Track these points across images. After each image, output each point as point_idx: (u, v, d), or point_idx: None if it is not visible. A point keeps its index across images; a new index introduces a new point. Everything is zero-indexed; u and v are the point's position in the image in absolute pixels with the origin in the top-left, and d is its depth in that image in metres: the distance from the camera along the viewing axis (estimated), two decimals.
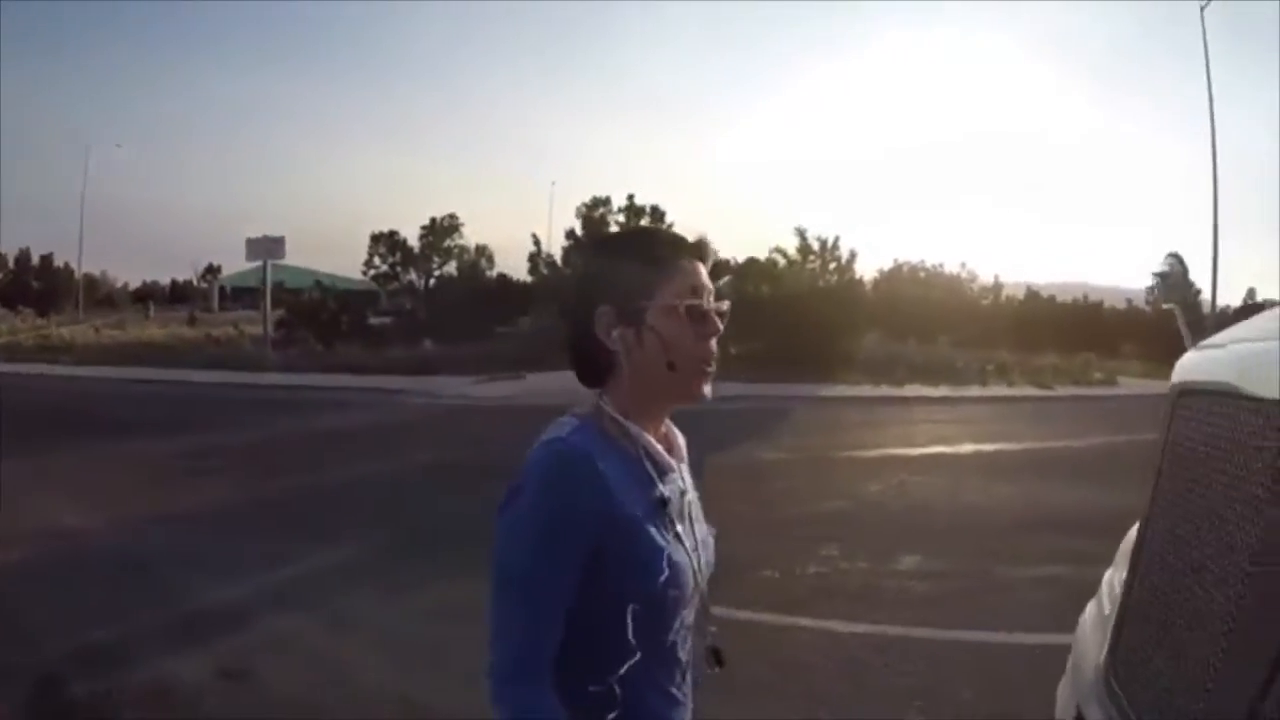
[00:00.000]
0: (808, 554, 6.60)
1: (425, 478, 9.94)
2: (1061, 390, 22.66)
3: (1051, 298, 42.09)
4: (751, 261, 31.24)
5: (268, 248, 29.30)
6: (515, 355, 24.83)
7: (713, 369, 1.47)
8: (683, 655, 1.52)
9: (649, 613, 1.40)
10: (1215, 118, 26.30)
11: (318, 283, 36.57)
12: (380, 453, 11.91)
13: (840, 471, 10.05)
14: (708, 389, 1.48)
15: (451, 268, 45.62)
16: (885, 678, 4.46)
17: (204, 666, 4.73)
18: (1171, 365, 2.22)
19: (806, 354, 22.00)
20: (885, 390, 20.36)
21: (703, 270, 1.48)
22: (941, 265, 40.90)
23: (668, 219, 34.50)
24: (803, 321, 22.86)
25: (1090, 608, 2.81)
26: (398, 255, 45.94)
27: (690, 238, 1.52)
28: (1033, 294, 42.36)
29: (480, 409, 17.65)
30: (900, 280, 38.28)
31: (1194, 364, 2.15)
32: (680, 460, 1.58)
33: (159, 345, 32.73)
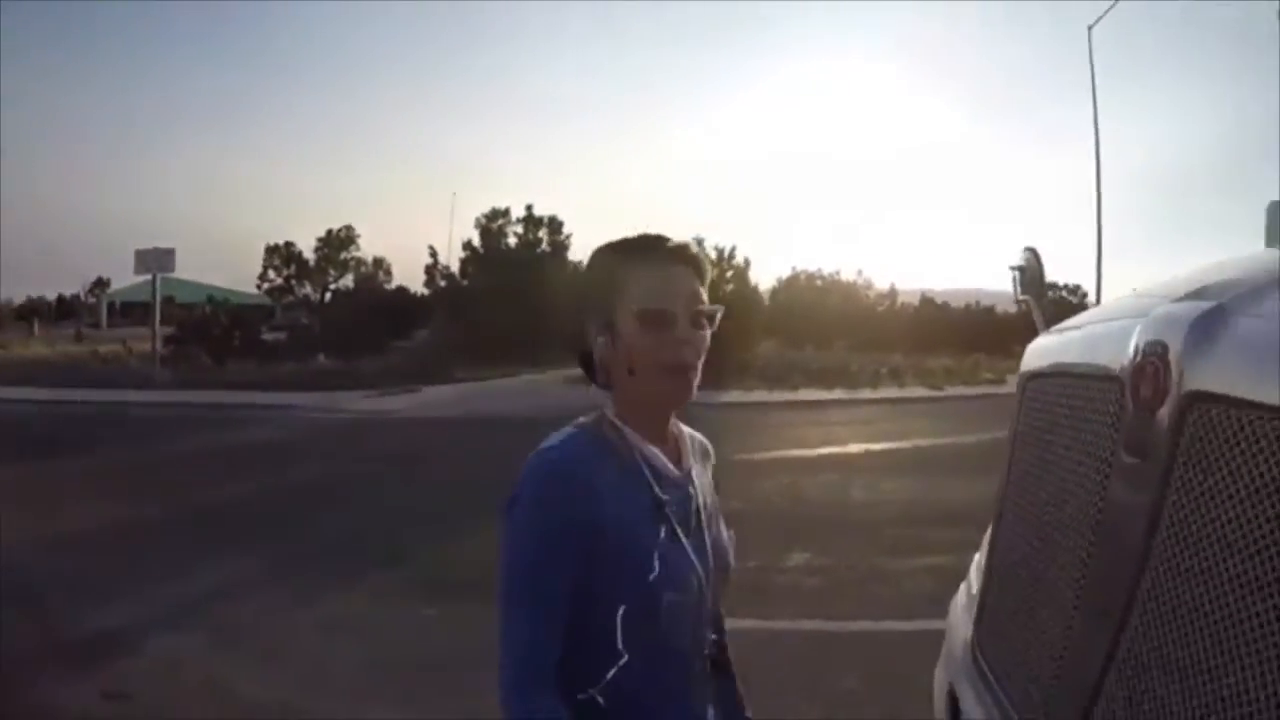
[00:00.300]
0: None
1: (312, 494, 9.76)
2: (952, 390, 23.32)
3: (945, 303, 43.37)
4: None
5: (158, 260, 27.97)
6: (411, 369, 24.61)
7: (681, 374, 1.46)
8: (694, 660, 1.53)
9: (642, 617, 1.41)
10: (1100, 131, 27.38)
11: (210, 297, 35.69)
12: (268, 470, 11.65)
13: (734, 474, 10.09)
14: (682, 393, 1.48)
15: (348, 280, 44.95)
16: (772, 670, 4.48)
17: (86, 690, 4.61)
18: None
19: (706, 362, 22.26)
20: (780, 395, 20.75)
21: (674, 275, 1.46)
22: (838, 273, 41.92)
23: (565, 230, 34.46)
24: None
25: (961, 590, 2.91)
26: (293, 268, 45.06)
27: (673, 240, 1.51)
28: (927, 300, 43.60)
29: (373, 424, 17.43)
30: (798, 288, 39.03)
31: (1040, 349, 2.26)
32: (691, 464, 1.59)
33: (44, 363, 31.53)
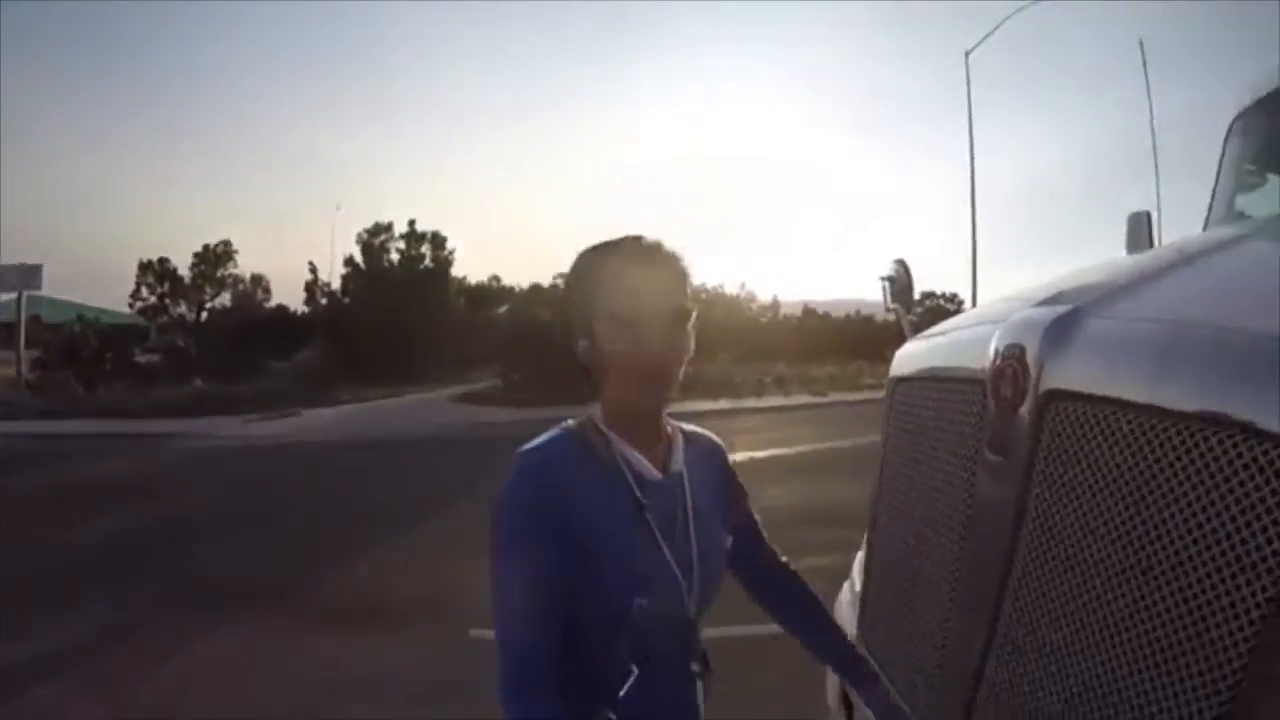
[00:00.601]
0: None
1: (190, 528, 9.33)
2: (835, 396, 23.97)
3: (827, 313, 44.56)
4: (536, 288, 31.30)
5: (23, 277, 26.42)
6: (292, 391, 23.90)
7: (655, 375, 1.45)
8: (681, 666, 1.53)
9: (616, 622, 1.40)
10: (975, 148, 28.53)
11: (79, 316, 33.69)
12: (142, 504, 11.03)
13: None
14: (658, 394, 1.47)
15: (225, 299, 43.42)
16: None
17: None
18: None
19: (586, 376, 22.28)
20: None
21: (648, 276, 1.44)
22: (722, 287, 42.58)
23: (449, 245, 34.06)
24: None
25: (844, 588, 3.00)
26: (167, 286, 43.28)
27: (651, 243, 1.50)
28: (809, 310, 44.71)
29: (253, 450, 16.76)
30: None
31: (908, 355, 2.36)
32: (680, 467, 1.57)
33: None
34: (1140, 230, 3.78)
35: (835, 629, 1.93)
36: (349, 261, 33.67)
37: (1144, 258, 2.38)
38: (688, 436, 1.64)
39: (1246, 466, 1.24)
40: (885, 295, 3.42)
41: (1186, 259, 2.02)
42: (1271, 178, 3.48)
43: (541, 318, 25.67)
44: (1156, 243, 3.73)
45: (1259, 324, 1.41)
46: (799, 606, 1.96)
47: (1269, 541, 1.20)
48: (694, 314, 1.49)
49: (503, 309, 31.59)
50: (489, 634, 4.49)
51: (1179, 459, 1.35)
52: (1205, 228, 3.63)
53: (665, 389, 1.47)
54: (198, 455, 15.98)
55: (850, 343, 36.00)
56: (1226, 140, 3.68)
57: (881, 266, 3.52)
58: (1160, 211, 3.95)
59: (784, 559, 1.99)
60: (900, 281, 3.37)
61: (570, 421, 1.53)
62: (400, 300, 29.48)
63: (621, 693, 1.39)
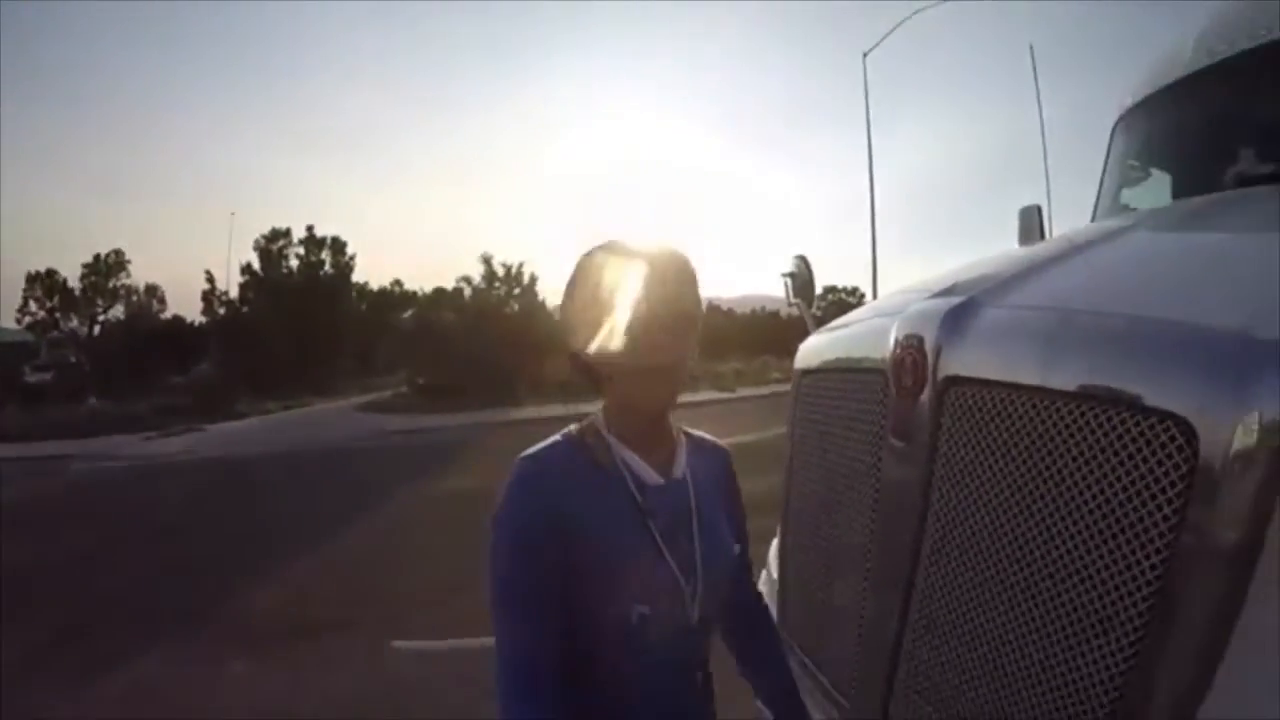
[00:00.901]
0: None
1: (94, 554, 8.87)
2: (743, 391, 24.23)
3: (732, 310, 45.12)
4: (439, 292, 30.92)
5: None
6: (193, 405, 22.96)
7: (658, 375, 1.43)
8: (685, 673, 1.50)
9: (616, 629, 1.39)
10: (874, 147, 29.10)
11: None
12: (40, 532, 10.47)
13: None
14: (662, 395, 1.45)
15: (119, 311, 41.77)
16: None
17: None
18: None
19: (496, 380, 22.03)
20: (574, 409, 20.68)
21: (654, 279, 1.42)
22: None
23: (349, 250, 33.41)
24: (491, 349, 22.88)
25: (761, 576, 3.06)
26: (57, 299, 41.51)
27: (656, 249, 1.47)
28: (714, 307, 45.15)
29: (155, 470, 15.92)
30: None
31: (812, 348, 2.43)
32: (684, 471, 1.54)
33: None
34: (1032, 223, 3.94)
35: (785, 670, 1.84)
36: (246, 269, 32.63)
37: (1033, 250, 2.50)
38: (693, 441, 1.63)
39: (1134, 440, 1.34)
40: (788, 291, 3.48)
41: (1072, 250, 2.13)
42: (1154, 172, 3.68)
43: (446, 321, 25.40)
44: (1047, 235, 3.89)
45: (1140, 308, 1.52)
46: (759, 639, 1.86)
47: (1158, 508, 1.30)
48: (701, 318, 1.48)
49: (406, 314, 31.02)
50: (411, 645, 4.42)
51: (1070, 436, 1.45)
52: (1093, 220, 3.81)
53: (671, 392, 1.46)
54: (96, 477, 15.07)
55: (756, 338, 36.61)
56: (1112, 138, 3.88)
57: (784, 263, 3.59)
58: (1051, 205, 4.12)
59: (758, 589, 1.91)
60: (802, 277, 3.44)
61: (572, 426, 1.51)
62: (301, 308, 28.80)
63: (596, 685, 1.40)
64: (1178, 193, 3.41)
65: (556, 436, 1.48)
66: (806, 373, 2.47)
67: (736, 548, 1.61)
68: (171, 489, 12.50)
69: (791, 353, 2.64)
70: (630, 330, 1.38)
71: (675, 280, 1.44)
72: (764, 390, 24.67)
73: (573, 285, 1.48)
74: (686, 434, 1.61)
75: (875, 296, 29.97)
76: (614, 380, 1.45)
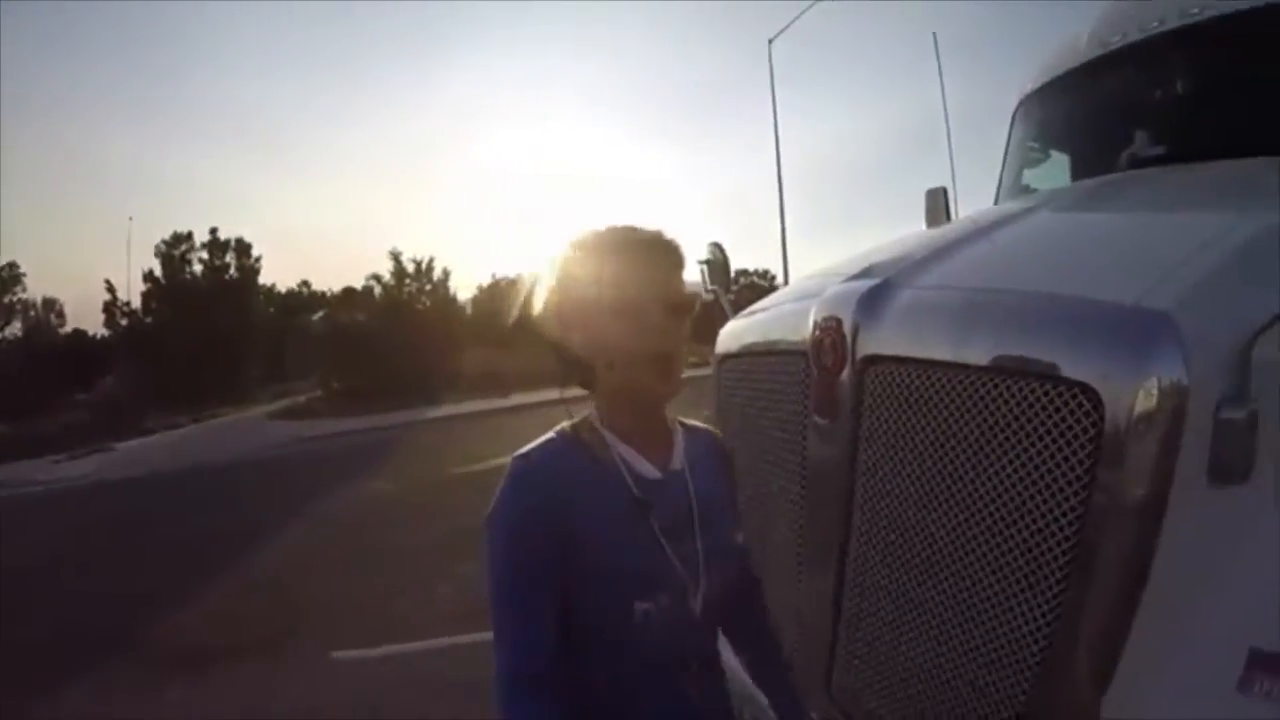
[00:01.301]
0: (441, 576, 6.46)
1: (5, 587, 8.30)
2: None
3: None
4: (349, 291, 30.37)
5: None
6: (99, 424, 21.81)
7: (659, 362, 1.39)
8: (687, 670, 1.44)
9: (616, 626, 1.36)
10: (781, 131, 29.38)
11: None
12: None
13: (458, 489, 9.83)
14: (662, 382, 1.41)
15: (15, 328, 39.88)
16: None
17: None
18: None
19: (412, 379, 21.71)
20: (493, 403, 20.57)
21: (649, 266, 1.39)
22: (537, 278, 42.42)
23: (254, 252, 32.54)
24: (405, 347, 22.50)
25: None
26: None
27: (648, 232, 1.43)
28: None
29: (63, 495, 14.85)
30: (499, 294, 39.12)
31: (731, 333, 2.48)
32: (682, 464, 1.49)
33: None
34: (938, 205, 4.07)
35: (782, 668, 1.77)
36: (148, 276, 31.23)
37: (941, 231, 2.59)
38: (689, 432, 1.57)
39: (1045, 408, 1.43)
40: (704, 278, 3.52)
41: (979, 231, 2.22)
42: (1053, 154, 3.87)
43: (358, 322, 24.94)
44: (953, 216, 4.02)
45: (1044, 285, 1.61)
46: (754, 635, 1.78)
47: (1070, 470, 1.40)
48: (698, 303, 1.44)
49: (316, 316, 30.30)
50: (351, 654, 4.33)
51: (985, 407, 1.53)
52: (996, 201, 3.98)
53: (672, 379, 1.42)
54: (4, 506, 14.30)
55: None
56: (1013, 122, 4.05)
57: (697, 250, 3.63)
58: (956, 187, 4.26)
59: (754, 571, 1.80)
60: (718, 263, 3.47)
61: (565, 423, 1.47)
62: (207, 314, 27.93)
63: (596, 683, 1.38)
64: (1076, 173, 3.58)
65: (550, 433, 1.45)
66: (727, 357, 2.50)
67: (740, 536, 1.56)
68: (86, 514, 11.82)
69: (706, 338, 2.68)
70: (634, 315, 1.36)
71: (670, 264, 1.42)
72: (684, 375, 24.81)
73: (562, 272, 1.44)
74: (681, 424, 1.57)
75: (787, 279, 30.43)
76: (614, 370, 1.41)
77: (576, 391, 1.50)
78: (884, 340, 1.78)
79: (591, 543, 1.34)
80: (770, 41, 24.82)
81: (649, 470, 1.43)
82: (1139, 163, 3.02)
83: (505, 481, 1.37)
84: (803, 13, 23.56)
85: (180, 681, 5.13)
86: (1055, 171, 3.79)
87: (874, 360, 1.80)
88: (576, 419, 1.47)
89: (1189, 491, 1.38)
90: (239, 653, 5.42)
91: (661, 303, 1.37)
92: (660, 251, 1.41)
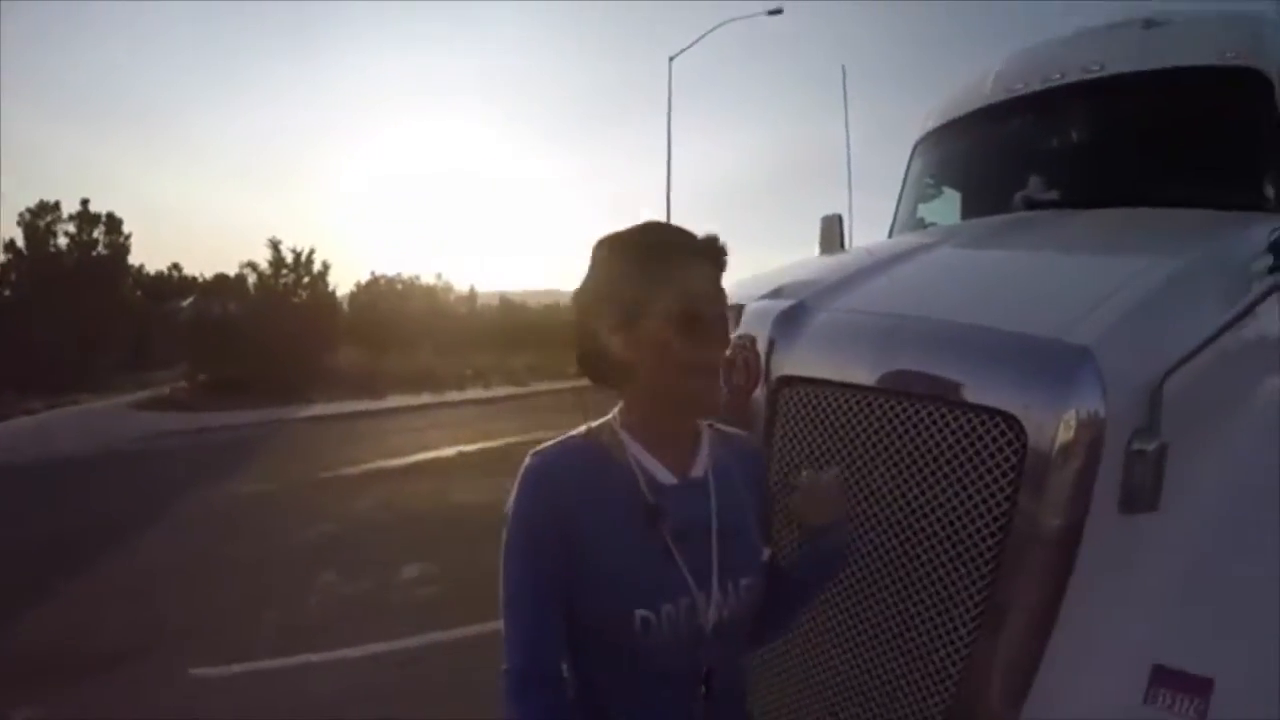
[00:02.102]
0: (307, 586, 6.16)
1: None
2: (538, 385, 24.15)
3: (524, 303, 45.02)
4: (221, 278, 29.26)
5: None
6: None
7: (714, 374, 1.36)
8: (692, 684, 1.38)
9: (618, 633, 1.32)
10: (674, 150, 29.72)
11: None
12: None
13: (328, 494, 9.49)
14: (713, 393, 1.37)
15: None
16: (408, 687, 4.41)
17: None
18: None
19: (284, 374, 20.90)
20: (367, 404, 19.99)
21: (707, 273, 1.35)
22: (418, 277, 41.77)
23: (125, 229, 30.90)
24: (279, 341, 21.61)
25: None
26: None
27: (698, 236, 1.38)
28: (506, 301, 44.95)
29: None
30: (377, 292, 38.41)
31: None
32: (705, 472, 1.43)
33: None
34: (832, 231, 4.19)
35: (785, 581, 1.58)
36: (9, 247, 28.99)
37: (850, 258, 2.67)
38: (721, 437, 1.51)
39: (966, 435, 1.48)
40: None
41: (891, 260, 2.30)
42: (946, 190, 4.05)
43: (229, 311, 23.99)
44: (847, 243, 4.14)
45: (965, 316, 1.67)
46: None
47: (992, 496, 1.45)
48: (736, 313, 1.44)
49: (186, 302, 28.97)
50: (213, 671, 4.08)
51: (905, 433, 1.57)
52: (892, 231, 4.13)
53: (719, 390, 1.39)
54: None
55: (549, 332, 36.62)
56: (912, 157, 4.23)
57: (578, 257, 3.61)
58: (851, 216, 4.38)
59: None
60: None
61: (589, 424, 1.44)
62: (71, 293, 26.31)
63: (599, 690, 1.36)
64: (966, 211, 3.74)
65: (572, 433, 1.43)
66: None
67: (766, 552, 1.49)
68: None
69: None
70: (696, 325, 1.32)
71: (718, 275, 1.38)
72: (559, 385, 24.69)
73: (611, 269, 1.39)
74: (714, 430, 1.51)
75: None
76: (657, 375, 1.36)
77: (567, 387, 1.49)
78: (799, 361, 1.80)
79: (598, 545, 1.32)
80: (671, 59, 25.10)
81: (665, 476, 1.39)
82: (1033, 205, 3.17)
83: (519, 479, 1.36)
84: (705, 35, 23.93)
85: (20, 702, 4.75)
86: (947, 207, 3.96)
87: (788, 380, 1.82)
88: (599, 421, 1.44)
89: (1102, 518, 1.46)
90: (87, 669, 4.97)
91: (715, 315, 1.35)
92: (715, 259, 1.38)
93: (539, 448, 1.38)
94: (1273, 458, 1.78)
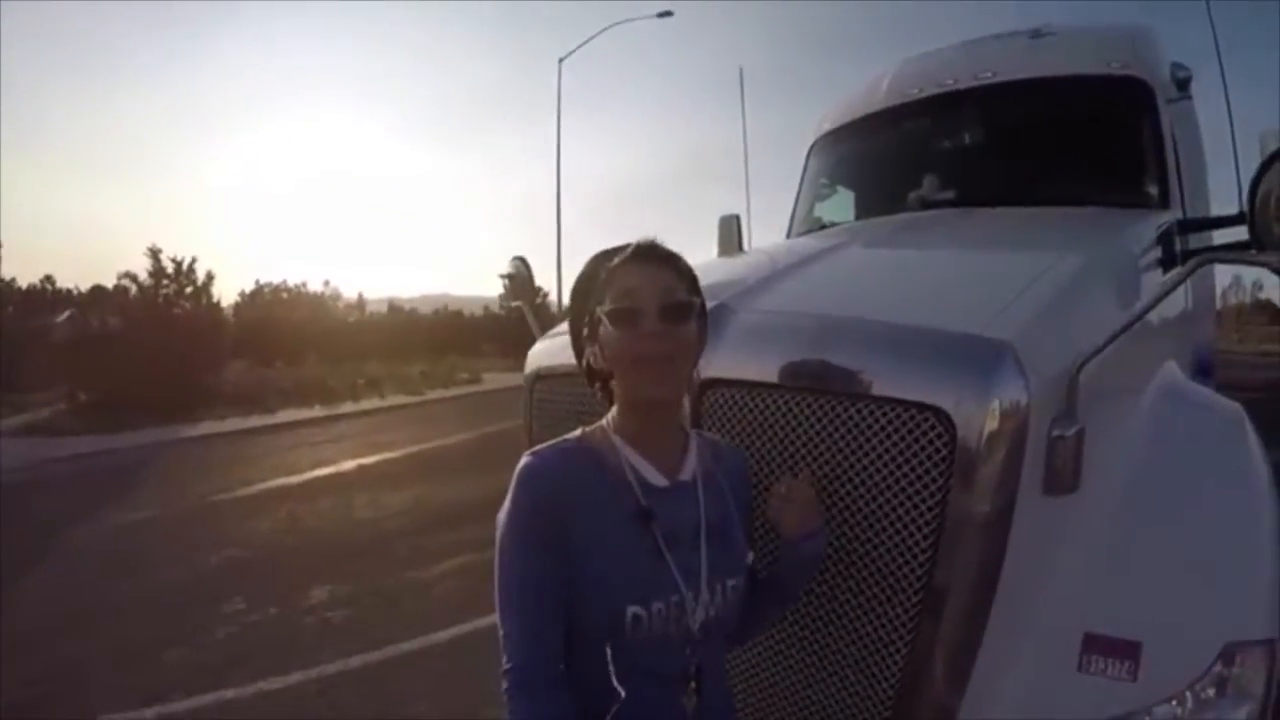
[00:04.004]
0: (211, 618, 5.85)
1: None
2: (432, 394, 23.83)
3: (414, 309, 44.38)
4: (99, 291, 27.91)
5: None
6: None
7: (650, 365, 1.38)
8: (683, 684, 1.42)
9: (609, 633, 1.35)
10: (564, 151, 29.58)
11: None
12: None
13: (224, 517, 9.09)
14: (657, 386, 1.40)
15: None
16: (335, 718, 4.26)
17: None
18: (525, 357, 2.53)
19: (170, 392, 20.03)
20: (257, 420, 19.26)
21: (643, 270, 1.41)
22: (305, 285, 40.76)
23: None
24: (162, 356, 20.66)
25: None
26: None
27: (643, 240, 1.46)
28: (396, 307, 44.28)
29: None
30: (263, 302, 37.35)
31: (543, 352, 2.46)
32: (693, 474, 1.48)
33: None
34: (731, 232, 4.27)
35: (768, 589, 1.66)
36: None
37: (761, 258, 2.73)
38: (707, 444, 1.57)
39: (898, 430, 1.55)
40: (505, 292, 3.49)
41: (803, 261, 2.37)
42: (840, 190, 4.20)
43: (110, 325, 22.89)
44: (746, 243, 4.22)
45: (890, 315, 1.75)
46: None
47: (925, 488, 1.53)
48: (697, 308, 1.45)
49: (62, 317, 27.48)
50: (121, 719, 3.80)
51: (834, 431, 1.64)
52: (789, 230, 4.24)
53: (670, 382, 1.42)
54: None
55: (440, 338, 36.18)
56: (808, 158, 4.36)
57: (471, 262, 3.59)
58: (750, 216, 4.50)
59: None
60: (520, 278, 3.44)
61: (585, 428, 1.49)
62: None
63: (593, 690, 1.37)
64: (861, 210, 3.87)
65: (566, 437, 1.48)
66: (540, 377, 2.46)
67: (750, 555, 1.57)
68: None
69: (477, 352, 2.64)
70: (627, 321, 1.38)
71: (661, 270, 1.43)
72: (453, 392, 24.40)
73: (575, 286, 1.53)
74: (700, 437, 1.58)
75: (560, 297, 30.81)
76: (619, 376, 1.44)
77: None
78: (723, 364, 1.83)
79: (591, 544, 1.36)
80: (561, 61, 25.06)
81: (656, 478, 1.45)
82: (929, 204, 3.30)
83: (514, 481, 1.39)
84: (594, 36, 24.01)
85: None
86: (841, 206, 4.08)
87: (713, 383, 1.85)
88: (592, 425, 1.49)
89: (1029, 501, 1.56)
90: None
91: (654, 308, 1.38)
92: (657, 258, 1.45)
93: (534, 449, 1.42)
94: (1172, 434, 1.97)
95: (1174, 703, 1.52)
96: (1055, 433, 1.58)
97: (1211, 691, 1.52)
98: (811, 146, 4.29)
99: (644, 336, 1.38)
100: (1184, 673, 1.53)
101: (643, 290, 1.40)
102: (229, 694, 4.64)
